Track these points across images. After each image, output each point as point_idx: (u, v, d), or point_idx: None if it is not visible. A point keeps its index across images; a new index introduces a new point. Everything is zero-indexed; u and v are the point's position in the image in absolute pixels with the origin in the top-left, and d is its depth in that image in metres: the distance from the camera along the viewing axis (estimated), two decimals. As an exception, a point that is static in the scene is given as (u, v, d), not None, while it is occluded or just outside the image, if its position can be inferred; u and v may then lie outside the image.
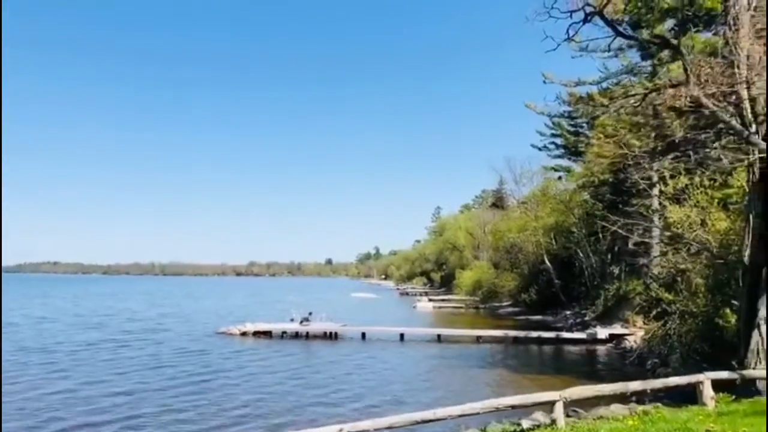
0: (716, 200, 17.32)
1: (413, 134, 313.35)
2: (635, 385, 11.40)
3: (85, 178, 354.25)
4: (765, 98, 9.33)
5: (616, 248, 42.57)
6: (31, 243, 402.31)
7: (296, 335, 35.35)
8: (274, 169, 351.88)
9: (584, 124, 50.99)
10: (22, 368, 23.34)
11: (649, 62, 31.38)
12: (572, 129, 53.15)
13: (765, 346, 10.45)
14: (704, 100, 9.58)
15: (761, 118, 9.95)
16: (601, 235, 43.77)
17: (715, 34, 21.27)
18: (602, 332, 33.35)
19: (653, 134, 30.32)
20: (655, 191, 32.54)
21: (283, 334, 35.44)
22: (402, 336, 34.83)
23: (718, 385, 11.50)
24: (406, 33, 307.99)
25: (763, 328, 10.51)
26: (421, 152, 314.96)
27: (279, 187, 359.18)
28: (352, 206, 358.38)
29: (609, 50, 31.66)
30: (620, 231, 39.58)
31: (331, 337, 35.18)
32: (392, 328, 37.35)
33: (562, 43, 12.08)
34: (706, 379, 11.12)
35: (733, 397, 11.25)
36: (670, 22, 25.73)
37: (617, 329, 33.64)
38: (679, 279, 18.82)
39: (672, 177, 17.94)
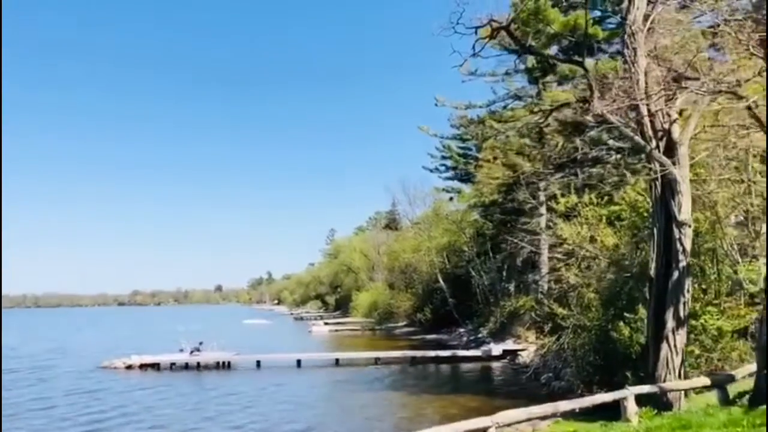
0: (603, 217, 18.09)
1: (305, 155, 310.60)
2: (564, 405, 11.21)
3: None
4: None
5: (506, 266, 44.01)
6: None
7: (186, 366, 33.38)
8: (157, 190, 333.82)
9: (472, 147, 52.72)
10: None
11: (534, 87, 32.82)
12: (461, 152, 54.79)
13: (674, 358, 10.75)
14: (609, 116, 9.85)
15: (660, 133, 10.37)
16: (491, 253, 45.17)
17: (597, 60, 22.55)
18: (496, 348, 34.03)
19: (540, 156, 31.76)
20: (543, 210, 34.03)
21: (172, 366, 33.33)
22: (299, 362, 33.82)
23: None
24: (304, 49, 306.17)
25: (672, 339, 10.82)
26: (314, 173, 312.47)
27: (163, 210, 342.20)
28: (242, 229, 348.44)
29: (496, 75, 33.04)
30: (511, 248, 40.99)
31: (224, 366, 33.55)
32: (288, 355, 36.23)
33: (469, 59, 12.14)
34: (630, 394, 10.99)
35: (655, 411, 11.27)
36: (554, 48, 27.12)
37: (510, 345, 34.43)
38: (571, 294, 19.48)
39: (563, 196, 18.59)
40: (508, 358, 32.91)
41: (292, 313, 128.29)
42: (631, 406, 10.95)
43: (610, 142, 23.34)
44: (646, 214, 16.00)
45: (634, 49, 10.20)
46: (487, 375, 29.86)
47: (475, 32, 11.54)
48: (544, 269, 33.84)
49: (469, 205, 47.52)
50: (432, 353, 34.99)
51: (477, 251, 47.08)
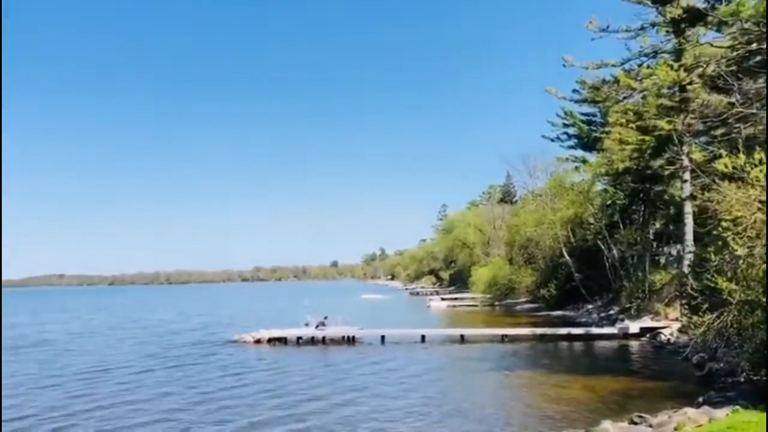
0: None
1: (414, 132, 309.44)
2: None
3: (85, 190, 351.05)
4: None
5: (639, 238, 41.04)
6: (37, 257, 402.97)
7: (312, 341, 33.80)
8: (276, 174, 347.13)
9: (597, 113, 49.46)
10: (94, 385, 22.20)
11: (673, 42, 29.85)
12: (585, 118, 51.66)
13: None
14: None
15: None
16: (621, 225, 42.30)
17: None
18: (634, 326, 31.68)
19: (684, 117, 28.89)
20: (687, 176, 30.99)
21: (299, 340, 33.90)
22: (423, 337, 33.23)
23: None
24: (406, 28, 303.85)
25: None
26: (424, 150, 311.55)
27: (282, 191, 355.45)
28: (356, 207, 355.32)
29: (630, 30, 30.23)
30: (644, 219, 38.01)
31: (349, 341, 33.65)
32: (412, 330, 35.78)
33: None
34: None
35: None
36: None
37: (648, 322, 31.99)
38: (735, 266, 17.27)
39: (720, 156, 16.35)
40: (647, 336, 30.58)
41: (407, 288, 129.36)
42: None
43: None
44: None
45: None
46: (625, 354, 27.84)
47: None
48: (689, 240, 30.92)
49: (596, 174, 44.59)
50: (563, 330, 33.25)
51: (606, 223, 44.35)
